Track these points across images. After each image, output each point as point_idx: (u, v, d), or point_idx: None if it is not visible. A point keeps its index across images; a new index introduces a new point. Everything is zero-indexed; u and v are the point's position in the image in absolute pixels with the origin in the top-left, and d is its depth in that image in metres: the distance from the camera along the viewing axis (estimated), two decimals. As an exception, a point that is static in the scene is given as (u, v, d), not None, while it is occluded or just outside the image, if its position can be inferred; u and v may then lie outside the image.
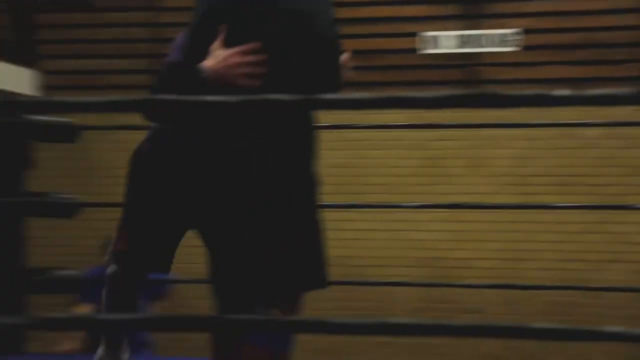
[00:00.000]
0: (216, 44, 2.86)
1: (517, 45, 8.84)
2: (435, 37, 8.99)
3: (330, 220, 7.42)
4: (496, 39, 9.08)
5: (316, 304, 7.55)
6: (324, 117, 5.12)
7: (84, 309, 7.07)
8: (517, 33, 8.88)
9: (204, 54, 2.91)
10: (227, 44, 2.95)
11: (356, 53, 8.37)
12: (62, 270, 6.42)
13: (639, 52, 8.70)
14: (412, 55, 8.95)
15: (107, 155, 9.26)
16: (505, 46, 8.98)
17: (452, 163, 8.65)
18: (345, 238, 8.24)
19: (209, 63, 2.82)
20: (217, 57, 2.86)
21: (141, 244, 3.25)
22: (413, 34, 8.95)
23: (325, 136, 6.91)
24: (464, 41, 9.01)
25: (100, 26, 10.22)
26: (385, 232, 8.53)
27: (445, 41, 9.01)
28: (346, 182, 8.37)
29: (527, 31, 9.00)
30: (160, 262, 3.44)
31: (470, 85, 9.06)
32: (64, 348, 7.28)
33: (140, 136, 3.74)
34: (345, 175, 8.46)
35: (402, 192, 8.31)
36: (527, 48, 8.97)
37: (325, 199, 7.51)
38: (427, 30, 9.04)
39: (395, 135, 8.47)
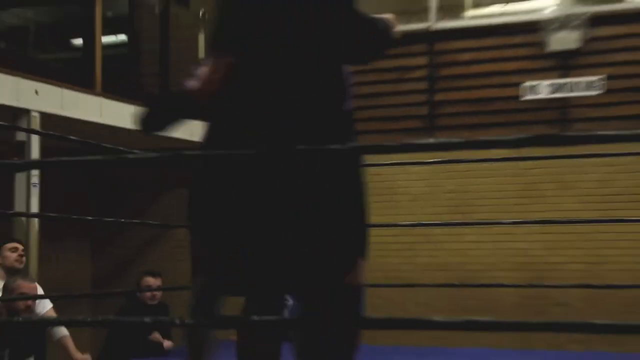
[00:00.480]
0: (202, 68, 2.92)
1: (602, 89, 9.18)
2: (533, 86, 9.51)
3: (448, 234, 8.72)
4: (584, 85, 9.34)
5: (434, 302, 8.71)
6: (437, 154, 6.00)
7: None
8: (601, 79, 9.18)
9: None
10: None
11: (469, 102, 9.45)
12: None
13: None
14: (514, 101, 9.62)
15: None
16: (592, 90, 9.23)
17: (545, 187, 9.21)
18: (460, 248, 9.25)
19: (191, 84, 2.91)
20: (197, 77, 2.89)
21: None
22: (516, 84, 9.58)
23: (441, 167, 8.05)
24: (557, 88, 9.45)
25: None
26: (490, 243, 9.18)
27: (541, 89, 9.46)
28: (459, 204, 9.28)
29: (610, 77, 9.31)
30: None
31: (563, 124, 9.56)
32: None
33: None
34: (458, 199, 9.36)
35: (504, 211, 8.98)
36: (611, 91, 9.26)
37: (443, 218, 8.71)
38: (526, 81, 9.54)
39: (498, 166, 8.84)
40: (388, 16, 2.97)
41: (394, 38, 2.86)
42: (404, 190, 9.58)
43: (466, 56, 10.04)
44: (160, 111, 3.33)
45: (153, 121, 3.31)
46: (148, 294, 7.89)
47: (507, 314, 8.76)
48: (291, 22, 2.78)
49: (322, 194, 2.75)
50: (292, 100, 2.75)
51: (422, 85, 10.17)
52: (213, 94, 2.83)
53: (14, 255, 6.15)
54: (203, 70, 2.84)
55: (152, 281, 7.94)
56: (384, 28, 2.90)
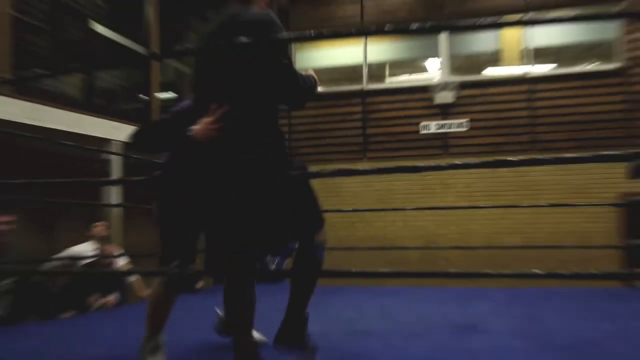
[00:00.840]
0: (205, 119, 2.56)
1: (467, 127, 9.56)
2: (426, 125, 9.72)
3: (376, 217, 9.28)
4: (456, 125, 9.69)
5: (367, 261, 9.26)
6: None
7: None
8: (466, 122, 9.56)
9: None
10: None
11: (388, 134, 10.02)
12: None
13: None
14: (415, 134, 9.75)
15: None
16: (461, 128, 9.63)
17: (435, 187, 9.40)
18: (384, 226, 9.35)
19: (196, 128, 2.57)
20: (201, 124, 2.55)
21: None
22: (416, 124, 9.77)
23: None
24: (440, 126, 9.69)
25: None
26: (401, 222, 9.39)
27: (431, 127, 9.72)
28: (383, 198, 9.30)
29: (472, 120, 9.60)
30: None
31: (444, 148, 9.63)
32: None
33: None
34: (382, 194, 9.41)
35: (410, 201, 9.17)
36: (472, 129, 9.60)
37: (373, 206, 9.04)
38: (422, 122, 9.81)
39: (407, 175, 8.37)
40: (311, 72, 2.80)
41: (316, 88, 2.71)
42: (347, 188, 9.66)
43: (386, 106, 10.09)
44: (157, 134, 3.07)
45: (145, 140, 3.03)
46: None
47: (412, 266, 8.89)
48: (241, 75, 2.57)
49: (299, 195, 2.75)
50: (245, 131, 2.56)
51: (358, 124, 10.25)
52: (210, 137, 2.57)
53: (100, 229, 6.11)
54: (205, 121, 2.55)
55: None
56: (311, 82, 2.76)
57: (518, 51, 9.88)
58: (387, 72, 10.65)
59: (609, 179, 8.60)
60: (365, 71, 10.45)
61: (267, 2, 2.89)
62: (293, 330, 2.79)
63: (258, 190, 2.53)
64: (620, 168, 5.28)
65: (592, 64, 9.72)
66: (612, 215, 8.90)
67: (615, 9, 9.12)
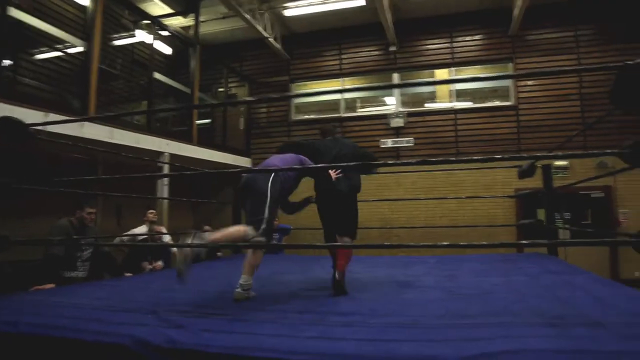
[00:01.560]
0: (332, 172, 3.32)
1: (412, 144, 9.45)
2: (385, 141, 9.60)
3: None
4: (405, 141, 9.57)
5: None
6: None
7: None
8: (412, 139, 9.46)
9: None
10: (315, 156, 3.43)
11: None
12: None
13: None
14: (378, 148, 9.55)
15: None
16: (409, 144, 9.50)
17: (390, 184, 9.27)
18: None
19: (331, 173, 3.29)
20: (330, 173, 3.26)
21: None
22: (377, 140, 9.66)
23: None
24: (395, 142, 9.60)
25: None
26: (366, 210, 8.98)
27: (388, 142, 9.60)
28: None
29: (416, 139, 9.55)
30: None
31: (397, 157, 9.46)
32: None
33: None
34: None
35: (372, 195, 8.56)
36: (417, 144, 9.53)
37: None
38: (382, 139, 9.71)
39: (370, 177, 9.99)
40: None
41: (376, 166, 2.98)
42: None
43: (357, 128, 9.98)
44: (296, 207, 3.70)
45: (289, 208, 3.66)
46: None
47: (373, 241, 8.61)
48: (337, 154, 3.42)
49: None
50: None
51: None
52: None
53: (151, 215, 5.90)
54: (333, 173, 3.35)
55: (208, 227, 7.25)
56: (373, 158, 3.67)
57: (447, 92, 9.95)
58: (358, 105, 10.62)
59: (507, 179, 8.71)
60: (342, 104, 10.44)
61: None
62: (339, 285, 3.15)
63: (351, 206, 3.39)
64: (514, 172, 5.33)
65: (495, 102, 9.81)
66: (510, 204, 8.96)
67: (508, 68, 9.47)
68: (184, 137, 8.13)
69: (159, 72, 7.96)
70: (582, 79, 9.06)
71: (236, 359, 1.83)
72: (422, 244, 2.38)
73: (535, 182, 6.30)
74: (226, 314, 2.40)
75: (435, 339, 1.93)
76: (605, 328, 1.99)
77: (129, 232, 5.75)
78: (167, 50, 8.89)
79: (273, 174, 3.05)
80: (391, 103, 10.24)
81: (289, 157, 3.31)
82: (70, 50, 6.11)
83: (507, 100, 9.56)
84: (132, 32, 7.56)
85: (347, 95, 10.37)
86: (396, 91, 10.08)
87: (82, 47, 6.04)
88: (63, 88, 6.12)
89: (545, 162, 5.11)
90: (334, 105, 10.55)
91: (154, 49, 7.73)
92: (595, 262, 8.09)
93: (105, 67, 6.59)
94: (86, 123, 5.68)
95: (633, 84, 2.12)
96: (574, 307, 2.47)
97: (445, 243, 2.41)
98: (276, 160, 3.26)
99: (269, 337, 2.01)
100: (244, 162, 9.99)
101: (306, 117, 10.85)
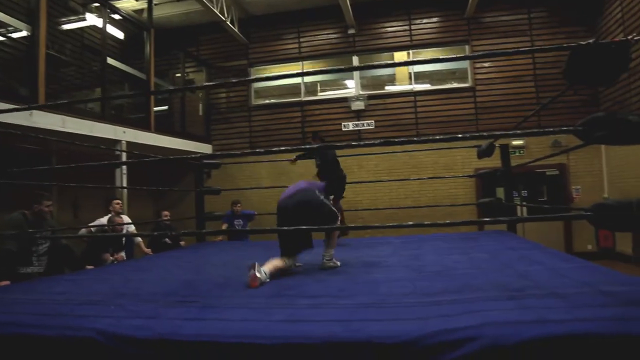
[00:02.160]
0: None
1: (373, 126, 9.46)
2: (346, 124, 9.63)
3: None
4: (365, 124, 9.63)
5: None
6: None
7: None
8: (372, 122, 9.61)
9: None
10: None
11: (321, 132, 10.19)
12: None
13: None
14: (339, 131, 9.59)
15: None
16: (369, 127, 9.59)
17: (353, 167, 9.08)
18: None
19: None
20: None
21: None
22: (339, 124, 9.65)
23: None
24: (356, 125, 9.58)
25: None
26: None
27: (350, 125, 9.63)
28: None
29: (376, 121, 9.65)
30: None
31: (358, 140, 9.59)
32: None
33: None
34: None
35: None
36: (377, 127, 9.63)
37: None
38: (343, 122, 9.74)
39: None
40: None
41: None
42: (293, 170, 8.22)
43: (318, 112, 10.04)
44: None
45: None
46: (164, 217, 7.38)
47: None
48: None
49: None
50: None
51: (299, 124, 10.11)
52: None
53: (118, 205, 5.85)
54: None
55: (166, 213, 7.53)
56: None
57: (406, 75, 10.08)
58: (318, 88, 10.61)
59: (466, 159, 8.98)
60: (302, 88, 10.40)
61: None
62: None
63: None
64: (472, 152, 5.47)
65: (453, 83, 10.03)
66: (470, 183, 9.26)
67: (465, 50, 9.65)
68: (142, 124, 7.98)
69: (113, 57, 7.70)
70: (536, 60, 9.34)
71: (208, 345, 1.82)
72: (387, 224, 2.41)
73: (492, 161, 6.50)
74: (195, 302, 2.38)
75: (402, 317, 1.97)
76: (562, 298, 2.10)
77: (95, 223, 5.63)
78: (119, 34, 8.59)
79: (312, 190, 3.36)
80: (351, 86, 10.29)
81: (314, 183, 3.56)
82: (14, 35, 5.82)
83: (465, 82, 9.77)
84: (81, 16, 7.27)
85: (308, 79, 10.37)
86: (356, 74, 10.10)
87: (27, 31, 5.77)
88: (9, 75, 5.84)
89: (503, 141, 5.26)
90: (294, 90, 10.53)
91: (106, 33, 7.45)
92: (550, 238, 8.46)
93: (53, 52, 6.33)
94: (35, 112, 5.49)
95: (584, 63, 2.23)
96: (532, 280, 2.58)
97: (410, 223, 2.47)
98: (304, 183, 3.49)
99: (240, 322, 2.01)
100: (205, 148, 9.87)
101: (267, 101, 10.77)
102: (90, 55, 7.45)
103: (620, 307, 1.92)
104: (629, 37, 2.18)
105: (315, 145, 4.59)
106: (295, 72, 10.33)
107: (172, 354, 1.84)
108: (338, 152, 5.11)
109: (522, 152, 9.05)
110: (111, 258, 5.46)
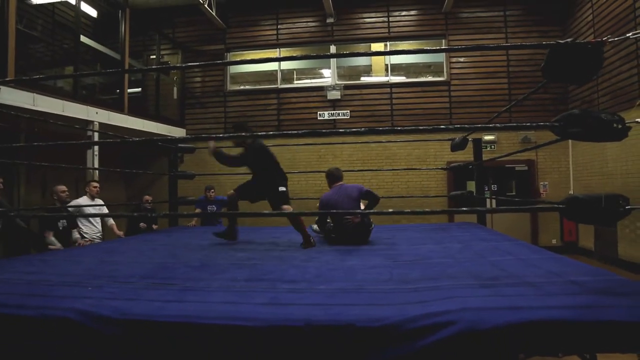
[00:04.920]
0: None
1: (348, 116, 9.56)
2: (322, 113, 9.60)
3: (304, 178, 9.48)
4: (341, 114, 9.66)
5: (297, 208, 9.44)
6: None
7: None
8: (348, 112, 9.75)
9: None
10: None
11: (297, 120, 10.22)
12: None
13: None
14: (315, 120, 9.62)
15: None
16: (345, 116, 9.62)
17: (327, 157, 9.33)
18: (302, 184, 10.15)
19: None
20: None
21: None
22: (315, 112, 9.66)
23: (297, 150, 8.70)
24: (331, 114, 9.46)
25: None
26: (311, 182, 9.37)
27: (325, 115, 9.55)
28: (292, 166, 8.79)
29: (352, 111, 9.76)
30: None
31: (334, 128, 9.88)
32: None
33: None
34: (294, 163, 8.92)
35: (312, 168, 8.91)
36: (352, 117, 9.67)
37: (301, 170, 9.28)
38: (319, 111, 9.70)
39: (307, 147, 9.30)
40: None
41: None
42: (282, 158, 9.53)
43: (294, 100, 9.96)
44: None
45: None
46: (145, 201, 7.36)
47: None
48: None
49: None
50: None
51: (274, 112, 9.99)
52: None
53: (95, 189, 5.74)
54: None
55: (148, 197, 7.47)
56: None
57: (383, 66, 10.11)
58: (295, 76, 10.55)
59: (439, 152, 9.14)
60: (279, 75, 10.31)
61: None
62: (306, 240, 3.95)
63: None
64: (446, 145, 5.59)
65: (429, 77, 10.11)
66: (442, 176, 9.44)
67: (442, 44, 9.66)
68: (115, 105, 7.80)
69: (86, 36, 7.49)
70: (510, 57, 9.53)
71: (189, 326, 1.82)
72: (365, 211, 2.44)
73: (464, 155, 6.63)
74: (174, 284, 2.37)
75: (381, 303, 2.01)
76: (533, 287, 2.18)
77: (72, 203, 5.55)
78: (93, 12, 8.34)
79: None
80: (328, 76, 10.28)
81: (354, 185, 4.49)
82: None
83: (440, 76, 9.89)
84: (54, -9, 7.08)
85: (285, 66, 10.31)
86: (333, 63, 10.08)
87: (-5, 5, 5.58)
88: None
89: (476, 135, 5.38)
90: (270, 77, 10.45)
91: (80, 10, 7.22)
92: (517, 232, 8.69)
93: (22, 27, 6.11)
94: (4, 88, 5.31)
95: (562, 61, 2.31)
96: (505, 269, 2.67)
97: (390, 210, 2.51)
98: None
99: (221, 304, 2.02)
100: (178, 132, 9.72)
101: (242, 87, 10.67)
102: (63, 33, 7.21)
103: (589, 295, 2.02)
104: (604, 39, 2.26)
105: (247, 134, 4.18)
106: (273, 57, 10.29)
107: (153, 335, 1.83)
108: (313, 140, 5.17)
109: (493, 147, 9.25)
110: (80, 240, 5.39)
